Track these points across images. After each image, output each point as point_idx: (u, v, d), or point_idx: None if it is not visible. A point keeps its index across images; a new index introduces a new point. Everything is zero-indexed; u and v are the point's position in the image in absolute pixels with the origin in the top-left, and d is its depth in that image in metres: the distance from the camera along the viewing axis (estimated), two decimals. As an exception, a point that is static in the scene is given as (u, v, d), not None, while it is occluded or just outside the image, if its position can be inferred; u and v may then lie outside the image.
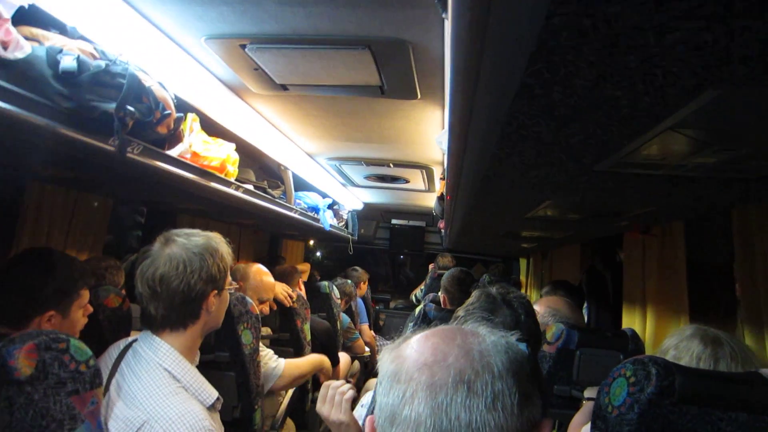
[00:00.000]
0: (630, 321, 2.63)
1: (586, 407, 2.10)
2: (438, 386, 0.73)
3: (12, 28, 1.21)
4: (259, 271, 3.03)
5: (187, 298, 1.61)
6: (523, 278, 5.66)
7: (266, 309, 3.05)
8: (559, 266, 4.21)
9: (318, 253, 7.48)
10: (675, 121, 0.77)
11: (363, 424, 1.52)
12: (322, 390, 1.47)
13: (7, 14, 1.19)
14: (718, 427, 1.17)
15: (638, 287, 2.51)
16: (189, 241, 1.65)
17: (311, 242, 6.86)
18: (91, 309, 1.87)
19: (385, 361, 0.82)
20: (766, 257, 1.61)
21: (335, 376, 3.98)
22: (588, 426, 1.88)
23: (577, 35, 0.56)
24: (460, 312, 1.73)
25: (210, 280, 1.65)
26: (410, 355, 0.79)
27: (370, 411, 1.63)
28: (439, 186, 2.88)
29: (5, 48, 1.20)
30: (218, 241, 1.73)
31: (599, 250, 3.18)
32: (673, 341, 1.64)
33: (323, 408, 1.42)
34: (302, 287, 4.17)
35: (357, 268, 6.33)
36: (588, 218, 1.99)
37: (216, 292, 1.69)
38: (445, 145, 1.91)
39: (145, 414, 1.45)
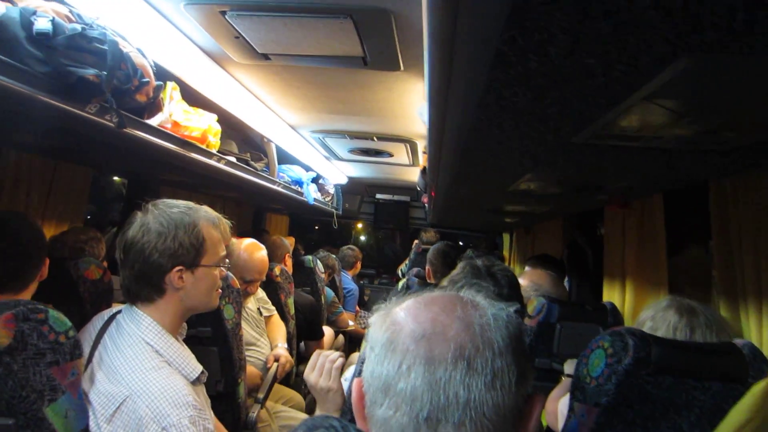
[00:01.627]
0: (610, 294, 2.67)
1: (565, 382, 2.14)
2: (437, 361, 0.72)
3: (-18, -11, 1.19)
4: (245, 249, 2.98)
5: (143, 270, 1.55)
6: (506, 253, 5.70)
7: (252, 289, 3.03)
8: (541, 241, 4.24)
9: (302, 227, 7.47)
10: (649, 90, 0.77)
11: (348, 389, 1.53)
12: (313, 358, 1.47)
13: (-23, -26, 1.16)
14: (692, 396, 1.20)
15: (618, 261, 2.54)
16: (164, 212, 1.58)
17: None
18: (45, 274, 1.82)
19: (377, 327, 0.80)
20: (741, 230, 1.63)
21: (314, 350, 4.00)
22: (566, 398, 1.92)
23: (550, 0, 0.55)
24: (444, 283, 1.74)
25: (169, 254, 1.55)
26: (407, 324, 0.76)
27: (357, 373, 1.63)
28: (422, 159, 2.88)
29: (-24, 9, 1.17)
30: (200, 215, 1.63)
31: (581, 224, 3.21)
32: (650, 313, 1.67)
33: (311, 375, 1.42)
34: (288, 261, 4.17)
35: (352, 247, 6.33)
36: (568, 192, 2.00)
37: (182, 268, 1.58)
38: (426, 117, 1.90)
39: (127, 389, 1.43)
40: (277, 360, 3.02)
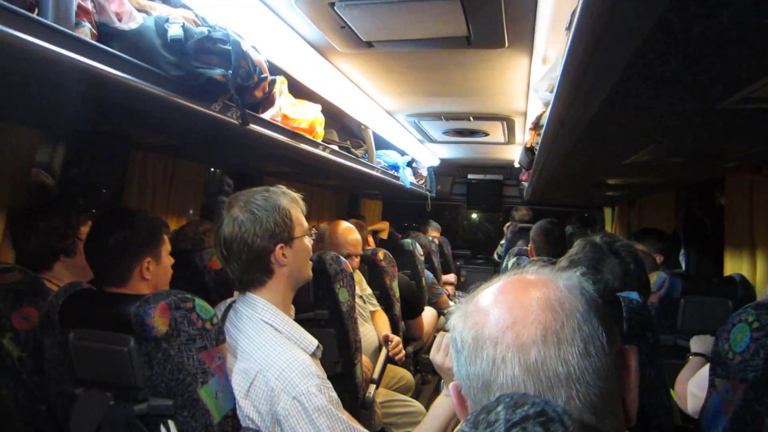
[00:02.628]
0: (735, 267, 2.53)
1: (693, 362, 2.05)
2: (527, 345, 0.71)
3: (125, 0, 1.26)
4: (333, 228, 3.12)
5: (251, 258, 1.63)
6: (608, 228, 5.51)
7: (353, 263, 3.09)
8: (648, 214, 4.07)
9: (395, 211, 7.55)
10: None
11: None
12: (438, 338, 1.49)
13: (123, -14, 1.24)
14: None
15: (745, 231, 2.40)
16: (247, 202, 1.66)
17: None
18: (170, 247, 1.94)
19: (460, 330, 0.80)
20: None
21: (419, 330, 4.05)
22: (697, 378, 1.84)
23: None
24: (563, 262, 1.70)
25: (269, 235, 1.64)
26: (487, 319, 0.76)
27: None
28: (528, 137, 2.82)
29: (120, 19, 1.25)
30: (278, 194, 1.71)
31: (697, 194, 3.05)
32: None
33: (437, 356, 1.44)
34: (371, 241, 4.23)
35: (430, 221, 6.37)
36: (692, 161, 1.91)
37: (282, 245, 1.67)
38: (542, 94, 1.86)
39: (257, 365, 1.52)
40: (388, 340, 3.08)
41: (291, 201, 1.74)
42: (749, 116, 1.19)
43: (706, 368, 1.74)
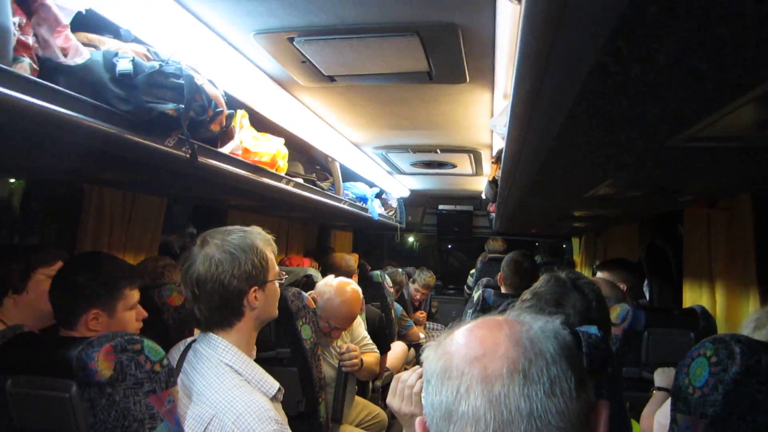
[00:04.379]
0: (694, 297, 2.55)
1: (656, 396, 2.05)
2: (493, 378, 0.71)
3: (71, 35, 1.24)
4: (336, 297, 2.82)
5: (224, 299, 1.60)
6: (576, 258, 5.55)
7: (335, 334, 2.89)
8: (613, 244, 4.12)
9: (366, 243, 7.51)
10: (762, 91, 0.72)
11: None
12: (393, 383, 1.46)
13: (66, 20, 1.21)
14: (811, 406, 1.12)
15: (703, 262, 2.42)
16: (223, 241, 1.62)
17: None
18: (144, 313, 1.90)
19: (430, 360, 0.80)
20: None
21: (382, 365, 3.97)
22: (663, 410, 1.83)
23: (667, 9, 0.52)
24: (526, 295, 1.69)
25: (246, 277, 1.62)
26: (457, 350, 0.77)
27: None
28: (490, 170, 2.84)
29: (65, 55, 1.22)
30: (255, 235, 1.69)
31: (659, 226, 3.09)
32: (754, 316, 1.57)
33: (394, 401, 1.41)
34: (355, 279, 4.17)
35: (431, 272, 6.27)
36: (649, 195, 1.92)
37: (256, 287, 1.65)
38: (499, 129, 1.87)
39: (213, 408, 1.48)
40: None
41: (266, 243, 1.72)
42: (699, 154, 1.20)
43: (670, 400, 1.74)
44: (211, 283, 1.58)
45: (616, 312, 2.30)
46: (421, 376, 1.49)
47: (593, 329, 1.45)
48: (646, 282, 3.23)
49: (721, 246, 2.27)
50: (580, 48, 0.67)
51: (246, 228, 1.71)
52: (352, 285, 2.92)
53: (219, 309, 1.61)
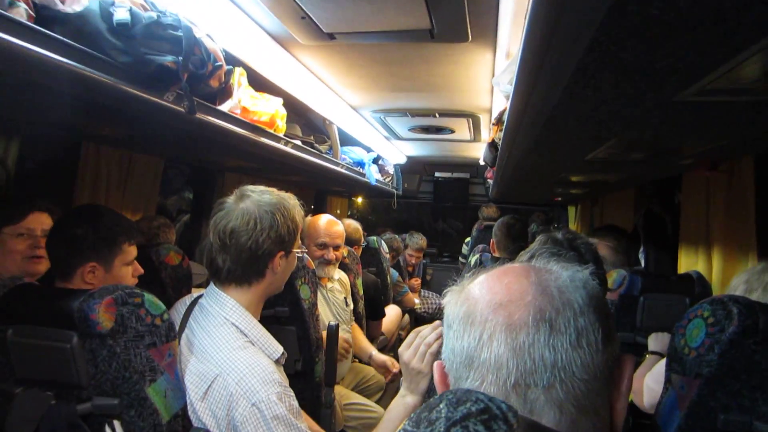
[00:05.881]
0: (690, 263, 2.56)
1: (649, 359, 2.07)
2: (518, 326, 0.70)
3: (68, -19, 1.20)
4: (312, 219, 3.08)
5: (254, 255, 1.61)
6: (572, 225, 5.57)
7: (328, 255, 3.04)
8: (610, 212, 4.12)
9: (362, 209, 7.49)
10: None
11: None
12: (411, 335, 1.46)
13: (63, -34, 1.17)
14: (809, 366, 1.13)
15: (701, 228, 2.43)
16: (262, 198, 1.64)
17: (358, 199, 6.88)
18: (141, 270, 1.90)
19: (453, 304, 0.79)
20: None
21: (378, 330, 4.01)
22: (653, 373, 1.85)
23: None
24: (524, 257, 1.69)
25: (279, 240, 1.64)
26: (482, 295, 0.75)
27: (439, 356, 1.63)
28: (491, 133, 2.82)
29: (62, 1, 1.19)
30: (292, 202, 1.72)
31: (657, 192, 3.08)
32: (744, 276, 1.58)
33: (406, 353, 1.42)
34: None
35: (421, 234, 6.25)
36: (651, 157, 1.91)
37: (283, 253, 1.68)
38: (503, 87, 1.84)
39: (217, 368, 1.49)
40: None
41: (299, 213, 1.74)
42: (705, 109, 1.19)
43: (661, 363, 1.75)
44: (245, 238, 1.59)
45: (613, 277, 2.31)
46: (440, 336, 1.48)
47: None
48: (642, 249, 3.25)
49: (720, 210, 2.27)
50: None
51: (280, 192, 1.72)
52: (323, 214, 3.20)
53: (244, 265, 1.62)
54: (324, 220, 3.10)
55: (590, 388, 0.69)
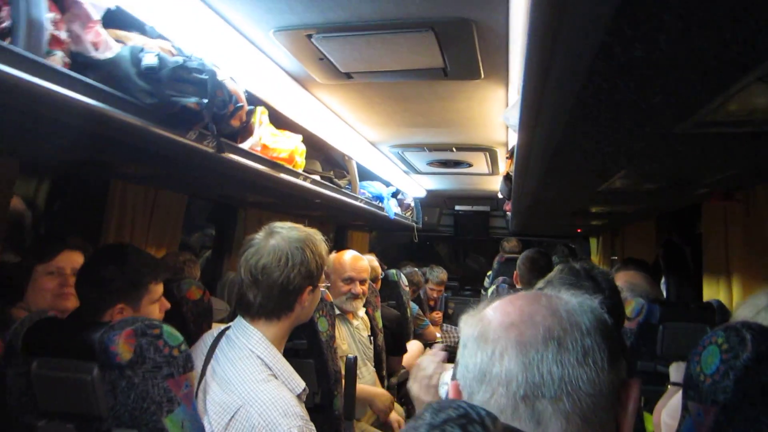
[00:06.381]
0: (712, 293, 2.54)
1: (670, 391, 2.04)
2: (528, 344, 0.74)
3: (102, 30, 1.29)
4: (338, 255, 3.14)
5: (285, 290, 1.66)
6: (594, 258, 5.54)
7: (356, 289, 3.09)
8: (631, 243, 4.10)
9: (382, 243, 7.52)
10: (764, 71, 0.75)
11: (445, 394, 1.54)
12: (414, 369, 1.50)
13: (97, 16, 1.26)
14: (823, 391, 1.13)
15: (721, 257, 2.42)
16: (291, 234, 1.70)
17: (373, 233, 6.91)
18: (167, 305, 1.93)
19: (468, 325, 0.83)
20: None
21: (398, 365, 4.01)
22: (669, 407, 1.84)
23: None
24: (540, 284, 1.71)
25: (308, 275, 1.69)
26: (495, 317, 0.80)
27: (453, 376, 1.65)
28: (505, 166, 2.86)
29: (96, 49, 1.28)
30: (318, 238, 1.77)
31: (676, 222, 3.08)
32: (748, 312, 1.55)
33: (413, 387, 1.45)
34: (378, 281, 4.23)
35: (441, 268, 6.21)
36: (665, 188, 1.93)
37: (311, 288, 1.73)
38: (512, 121, 1.89)
39: (241, 399, 1.51)
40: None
41: (324, 248, 1.79)
42: (709, 141, 1.22)
43: (677, 397, 1.74)
44: (278, 274, 1.64)
45: (632, 306, 2.30)
46: (437, 365, 1.51)
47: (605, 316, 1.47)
48: (663, 280, 3.23)
49: (738, 239, 2.27)
50: (585, 30, 0.70)
51: (306, 228, 1.78)
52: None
53: (276, 300, 1.67)
54: (349, 255, 3.15)
55: (596, 403, 0.73)
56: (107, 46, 1.30)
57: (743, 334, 1.17)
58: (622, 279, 2.54)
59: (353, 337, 3.12)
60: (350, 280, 3.06)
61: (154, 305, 1.88)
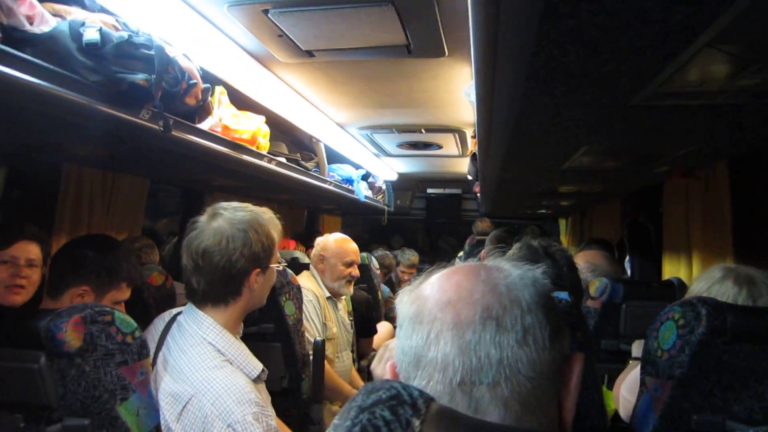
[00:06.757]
0: (673, 270, 2.57)
1: (632, 365, 2.07)
2: (465, 324, 0.70)
3: (36, 2, 1.23)
4: (336, 239, 3.17)
5: (228, 275, 1.59)
6: (563, 238, 5.58)
7: (355, 271, 3.14)
8: (599, 224, 4.14)
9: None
10: (712, 34, 0.73)
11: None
12: (380, 350, 1.47)
13: (29, -13, 1.20)
14: (774, 362, 1.14)
15: (682, 235, 2.44)
16: (234, 215, 1.61)
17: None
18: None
19: (404, 303, 0.79)
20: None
21: (370, 348, 4.01)
22: (627, 381, 1.85)
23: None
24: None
25: (253, 258, 1.61)
26: (431, 294, 0.75)
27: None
28: (471, 145, 2.85)
29: (31, 23, 1.21)
30: (266, 217, 1.68)
31: (642, 202, 3.11)
32: (704, 285, 1.56)
33: (378, 367, 1.42)
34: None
35: (413, 251, 6.21)
36: (627, 165, 1.94)
37: (259, 270, 1.64)
38: (473, 97, 1.87)
39: (193, 388, 1.47)
40: None
41: (274, 225, 1.71)
42: (666, 115, 1.21)
43: (634, 372, 1.75)
44: (218, 257, 1.56)
45: (595, 285, 2.32)
46: None
47: (564, 294, 1.46)
48: (627, 259, 3.26)
49: (698, 216, 2.29)
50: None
51: (256, 207, 1.69)
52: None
53: (219, 284, 1.59)
54: (346, 239, 3.20)
55: (536, 386, 0.69)
56: (43, 19, 1.24)
57: (698, 309, 1.18)
58: (583, 258, 2.55)
59: (340, 324, 3.11)
60: (351, 264, 3.09)
61: (116, 307, 1.83)
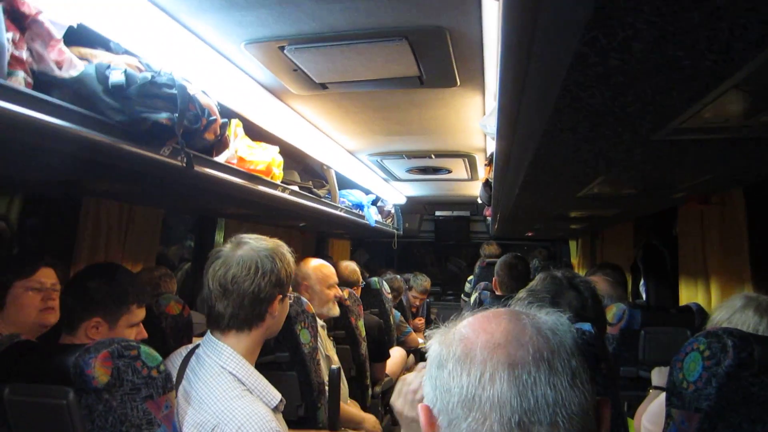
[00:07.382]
0: (690, 295, 2.56)
1: (652, 395, 2.05)
2: (519, 365, 0.71)
3: (65, 48, 1.25)
4: (319, 265, 3.12)
5: (256, 299, 1.64)
6: (574, 260, 5.56)
7: (338, 292, 3.12)
8: (611, 245, 4.13)
9: (363, 251, 7.49)
10: (739, 78, 0.74)
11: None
12: (398, 384, 1.46)
13: (59, 34, 1.23)
14: (805, 396, 1.13)
15: (698, 260, 2.44)
16: (259, 244, 1.69)
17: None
18: (145, 334, 1.91)
19: (443, 345, 0.79)
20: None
21: (382, 373, 3.99)
22: (647, 413, 1.84)
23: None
24: (522, 294, 1.70)
25: (278, 283, 1.68)
26: (478, 336, 0.76)
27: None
28: (484, 172, 2.86)
29: (60, 67, 1.24)
30: (285, 249, 1.77)
31: (655, 225, 3.10)
32: (724, 314, 1.56)
33: (397, 402, 1.42)
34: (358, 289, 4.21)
35: (425, 276, 6.23)
36: (642, 193, 1.94)
37: (281, 296, 1.72)
38: (490, 129, 1.88)
39: (215, 418, 1.48)
40: None
41: (292, 259, 1.79)
42: (687, 147, 1.22)
43: (657, 402, 1.74)
44: (248, 283, 1.62)
45: (613, 312, 2.31)
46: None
47: (587, 326, 1.46)
48: (642, 282, 3.25)
49: (715, 242, 2.28)
50: (559, 39, 0.69)
51: (273, 239, 1.77)
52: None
53: (248, 308, 1.64)
54: (323, 263, 3.15)
55: (584, 426, 0.71)
56: (71, 64, 1.26)
57: (724, 341, 1.17)
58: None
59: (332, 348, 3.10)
60: (333, 285, 3.07)
61: (132, 329, 1.85)
